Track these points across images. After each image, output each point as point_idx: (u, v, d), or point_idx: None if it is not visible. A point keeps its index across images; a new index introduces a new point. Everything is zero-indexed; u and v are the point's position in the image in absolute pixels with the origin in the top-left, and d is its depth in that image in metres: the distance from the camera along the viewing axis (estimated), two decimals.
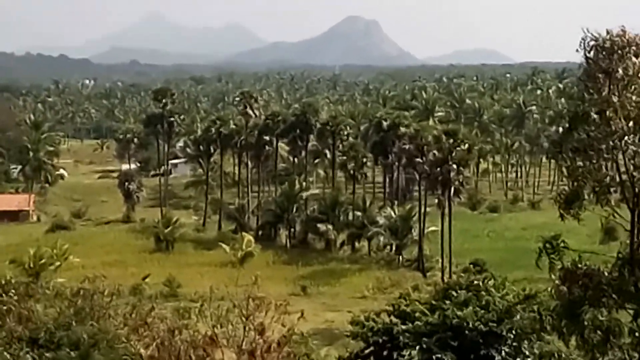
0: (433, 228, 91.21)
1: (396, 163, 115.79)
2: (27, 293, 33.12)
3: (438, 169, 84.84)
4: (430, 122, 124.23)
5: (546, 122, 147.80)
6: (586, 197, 19.78)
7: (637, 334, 20.05)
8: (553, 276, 20.49)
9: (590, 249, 22.42)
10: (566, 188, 20.25)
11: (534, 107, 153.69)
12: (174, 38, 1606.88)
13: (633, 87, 19.23)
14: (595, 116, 19.14)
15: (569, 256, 20.54)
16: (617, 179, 19.64)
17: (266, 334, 25.85)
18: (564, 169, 20.20)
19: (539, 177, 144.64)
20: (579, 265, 20.24)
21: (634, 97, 19.13)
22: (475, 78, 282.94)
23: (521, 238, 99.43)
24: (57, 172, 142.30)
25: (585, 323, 20.15)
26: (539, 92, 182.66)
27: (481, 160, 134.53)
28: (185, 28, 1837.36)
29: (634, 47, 19.16)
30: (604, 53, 19.18)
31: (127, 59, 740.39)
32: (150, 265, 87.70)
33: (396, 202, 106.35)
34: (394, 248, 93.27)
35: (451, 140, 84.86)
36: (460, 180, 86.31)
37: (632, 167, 19.57)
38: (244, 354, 25.71)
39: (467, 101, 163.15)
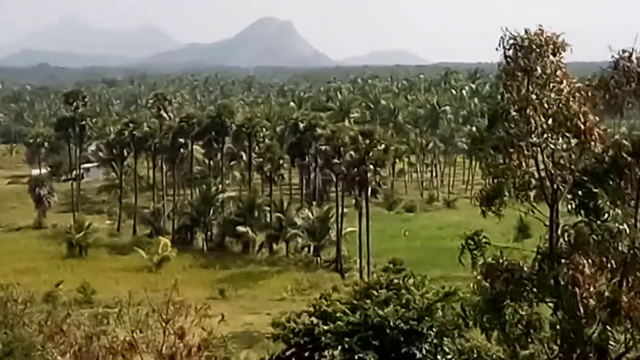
0: (351, 229, 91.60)
1: (313, 164, 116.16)
2: None
3: (355, 169, 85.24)
4: (346, 123, 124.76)
5: (460, 122, 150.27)
6: (506, 194, 20.02)
7: (557, 327, 20.37)
8: (475, 272, 20.66)
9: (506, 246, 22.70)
10: (487, 185, 20.46)
11: (447, 107, 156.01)
12: (88, 41, 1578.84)
13: (551, 85, 19.53)
14: (515, 114, 19.36)
15: (490, 252, 20.75)
16: (537, 175, 19.92)
17: (186, 338, 25.53)
18: (484, 167, 20.38)
19: (454, 177, 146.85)
20: (500, 261, 20.47)
21: (552, 95, 19.43)
22: (389, 79, 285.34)
23: (437, 237, 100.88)
24: None
25: (507, 317, 20.39)
26: (452, 92, 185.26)
27: (397, 160, 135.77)
28: (99, 30, 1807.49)
29: (551, 46, 19.45)
30: (522, 52, 19.42)
31: (37, 62, 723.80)
32: (63, 271, 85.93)
33: (314, 204, 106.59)
34: (312, 249, 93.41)
35: (367, 141, 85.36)
36: (377, 181, 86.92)
37: (550, 164, 19.88)
38: (164, 359, 25.33)
39: (382, 102, 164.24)
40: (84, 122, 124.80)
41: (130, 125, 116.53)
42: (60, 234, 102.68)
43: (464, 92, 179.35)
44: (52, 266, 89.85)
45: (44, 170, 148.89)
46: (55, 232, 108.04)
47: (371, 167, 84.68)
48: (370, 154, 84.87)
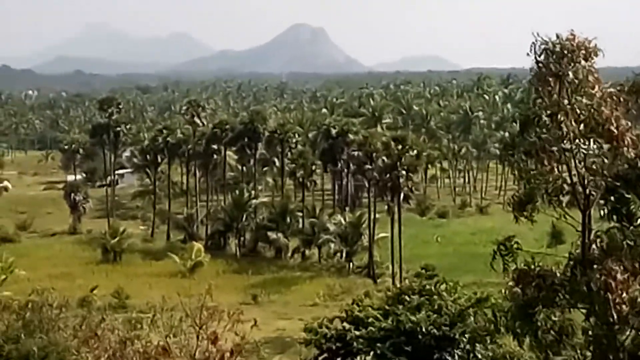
0: (383, 234, 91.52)
1: (345, 170, 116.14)
2: None
3: (387, 175, 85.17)
4: (378, 128, 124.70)
5: (492, 127, 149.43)
6: (539, 199, 19.96)
7: (589, 333, 20.26)
8: (506, 278, 20.61)
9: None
10: (519, 191, 20.41)
11: (480, 113, 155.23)
12: (119, 47, 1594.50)
13: (583, 90, 19.46)
14: (546, 119, 19.31)
15: (522, 257, 20.70)
16: (569, 181, 19.85)
17: (219, 343, 25.69)
18: (516, 172, 20.34)
19: (487, 182, 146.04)
20: (532, 267, 20.40)
21: (584, 100, 19.36)
22: (421, 85, 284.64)
23: (470, 243, 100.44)
24: (1, 184, 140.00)
25: (539, 323, 20.30)
26: (485, 98, 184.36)
27: (429, 166, 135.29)
28: (131, 37, 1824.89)
29: (583, 51, 19.38)
30: (554, 57, 19.37)
31: (72, 69, 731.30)
32: (97, 276, 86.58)
33: (346, 209, 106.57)
34: (344, 255, 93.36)
35: (400, 147, 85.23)
36: (409, 186, 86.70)
37: (583, 170, 19.80)
38: None
39: (415, 108, 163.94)
40: (118, 129, 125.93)
41: (164, 131, 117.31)
42: (95, 240, 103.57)
43: (496, 97, 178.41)
44: (86, 271, 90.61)
45: (79, 176, 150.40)
46: (90, 237, 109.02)
47: (403, 172, 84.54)
48: (403, 159, 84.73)
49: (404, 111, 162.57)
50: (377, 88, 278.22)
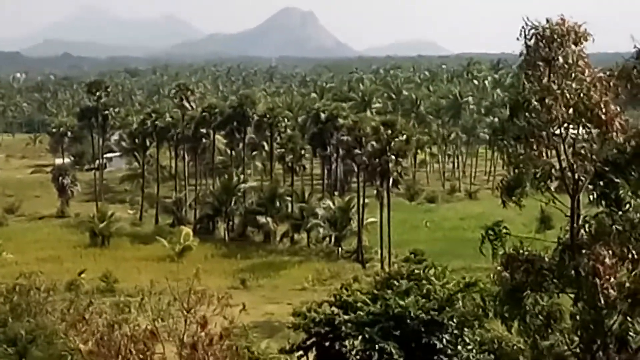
0: (372, 219, 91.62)
1: (334, 154, 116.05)
2: None
3: (376, 159, 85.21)
4: (368, 113, 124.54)
5: (482, 112, 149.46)
6: (527, 184, 19.96)
7: (577, 318, 20.31)
8: (495, 263, 20.63)
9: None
10: (508, 175, 20.40)
11: (470, 98, 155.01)
12: (109, 30, 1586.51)
13: (572, 74, 19.44)
14: (536, 104, 19.28)
15: (510, 242, 20.71)
16: (558, 166, 19.84)
17: (208, 327, 25.64)
18: (505, 157, 20.32)
19: (476, 168, 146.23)
20: (521, 251, 20.43)
21: (573, 85, 19.34)
22: (411, 69, 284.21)
23: (459, 228, 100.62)
24: None
25: (527, 308, 20.39)
26: (474, 83, 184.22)
27: (418, 151, 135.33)
28: (120, 20, 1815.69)
29: (573, 36, 19.36)
30: (544, 41, 19.35)
31: (60, 52, 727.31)
32: (86, 260, 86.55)
33: (335, 194, 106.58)
34: (333, 239, 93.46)
35: (389, 131, 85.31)
36: (399, 171, 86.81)
37: (571, 154, 19.79)
38: (185, 348, 25.44)
39: (404, 92, 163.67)
40: (106, 112, 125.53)
41: (153, 115, 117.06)
42: (83, 223, 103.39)
43: (486, 82, 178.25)
44: (74, 255, 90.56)
45: (67, 160, 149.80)
46: (78, 221, 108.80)
47: (393, 157, 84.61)
48: (392, 144, 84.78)
49: (394, 96, 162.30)
50: (366, 73, 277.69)
